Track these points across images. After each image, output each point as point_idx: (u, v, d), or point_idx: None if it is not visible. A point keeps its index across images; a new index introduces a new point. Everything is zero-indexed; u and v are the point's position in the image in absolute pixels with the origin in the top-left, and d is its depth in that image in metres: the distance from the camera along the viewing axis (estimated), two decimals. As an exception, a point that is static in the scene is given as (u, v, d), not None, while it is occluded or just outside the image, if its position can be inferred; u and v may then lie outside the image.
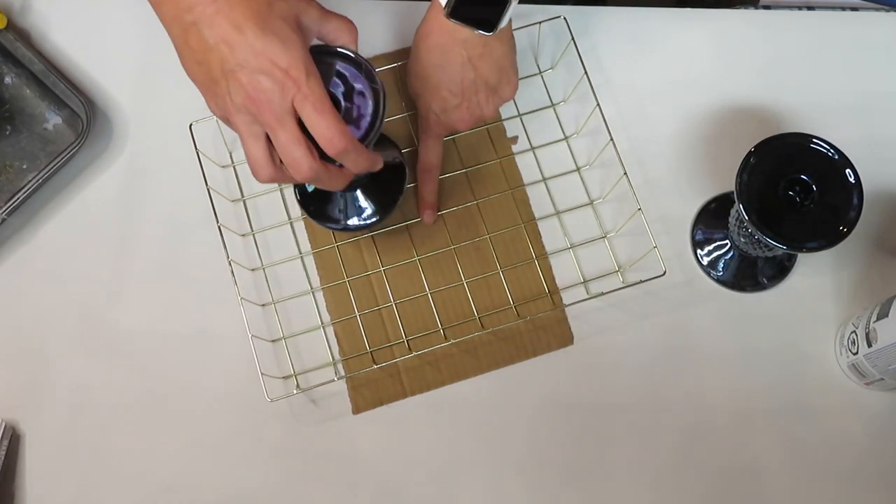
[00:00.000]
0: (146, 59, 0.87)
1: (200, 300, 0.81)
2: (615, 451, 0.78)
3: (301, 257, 0.82)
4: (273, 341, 0.80)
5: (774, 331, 0.81)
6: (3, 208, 0.79)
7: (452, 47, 0.74)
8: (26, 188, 0.80)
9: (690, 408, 0.79)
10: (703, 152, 0.85)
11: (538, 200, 0.84)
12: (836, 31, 0.89)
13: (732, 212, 0.77)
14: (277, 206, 0.83)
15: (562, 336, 0.80)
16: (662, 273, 0.78)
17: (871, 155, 0.76)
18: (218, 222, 0.79)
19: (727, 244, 0.82)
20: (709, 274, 0.82)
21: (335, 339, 0.80)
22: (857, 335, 0.76)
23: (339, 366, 0.80)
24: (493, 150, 0.85)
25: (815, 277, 0.82)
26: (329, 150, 0.61)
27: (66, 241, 0.83)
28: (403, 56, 0.84)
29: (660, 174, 0.84)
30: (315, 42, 0.65)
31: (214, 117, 0.79)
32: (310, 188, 0.77)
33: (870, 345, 0.73)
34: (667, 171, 0.84)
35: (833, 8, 0.93)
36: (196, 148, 0.80)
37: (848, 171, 0.71)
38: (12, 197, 0.80)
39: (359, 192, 0.77)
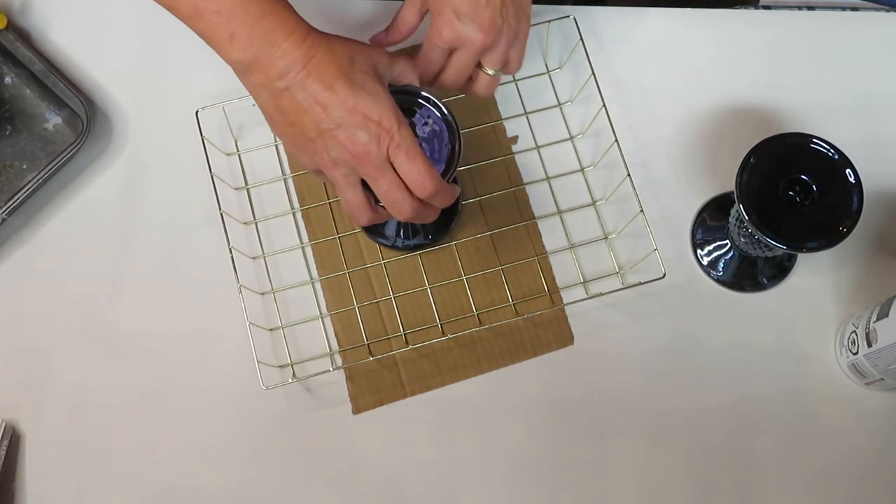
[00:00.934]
0: (146, 58, 0.87)
1: (200, 300, 0.81)
2: (615, 451, 0.78)
3: (302, 247, 0.82)
4: (271, 330, 0.80)
5: (774, 331, 0.81)
6: (3, 208, 0.79)
7: None
8: (26, 188, 0.80)
9: (690, 407, 0.79)
10: (703, 152, 0.85)
11: (541, 199, 0.84)
12: (836, 31, 0.89)
13: (732, 212, 0.77)
14: (281, 196, 0.83)
15: (562, 336, 0.80)
16: (662, 276, 0.78)
17: (871, 155, 0.76)
18: (221, 209, 0.79)
19: (727, 244, 0.82)
20: (709, 274, 0.82)
21: (332, 331, 0.80)
22: (857, 335, 0.76)
23: (337, 356, 0.80)
24: (497, 147, 0.85)
25: (815, 277, 0.82)
26: (420, 194, 0.64)
27: (66, 241, 0.83)
28: None
29: (660, 174, 0.84)
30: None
31: (221, 104, 0.80)
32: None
33: (870, 345, 0.73)
34: (667, 171, 0.84)
35: (833, 8, 0.93)
36: (201, 134, 0.80)
37: (848, 171, 0.71)
38: (12, 197, 0.80)
39: None
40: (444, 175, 0.68)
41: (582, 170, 0.84)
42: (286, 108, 0.62)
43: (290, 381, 0.77)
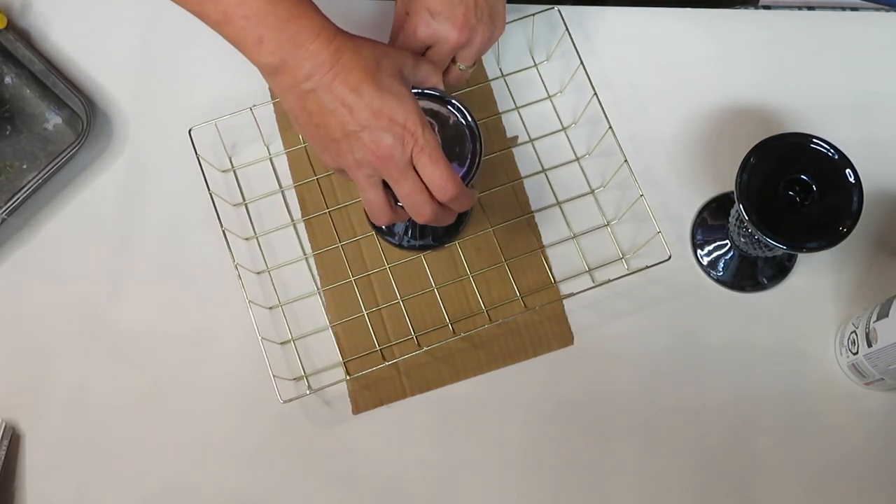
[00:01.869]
0: (146, 59, 0.87)
1: (201, 300, 0.81)
2: (615, 451, 0.78)
3: (306, 258, 0.82)
4: (282, 343, 0.80)
5: (774, 331, 0.81)
6: (3, 208, 0.79)
7: None
8: (26, 188, 0.80)
9: (690, 407, 0.79)
10: (703, 152, 0.85)
11: (538, 192, 0.84)
12: (836, 31, 0.89)
13: (732, 212, 0.77)
14: (279, 209, 0.83)
15: (562, 335, 0.80)
16: (668, 258, 0.78)
17: (871, 155, 0.76)
18: (222, 227, 0.79)
19: (727, 244, 0.82)
20: (709, 274, 0.82)
21: (342, 339, 0.80)
22: (857, 335, 0.76)
23: (347, 365, 0.80)
24: (494, 143, 0.85)
25: (815, 277, 0.82)
26: (441, 197, 0.65)
27: (66, 241, 0.83)
28: None
29: (660, 174, 0.84)
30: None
31: (213, 121, 0.80)
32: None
33: (870, 345, 0.73)
34: (667, 171, 0.84)
35: (833, 8, 0.93)
36: (196, 153, 0.80)
37: (848, 171, 0.71)
38: (12, 197, 0.80)
39: None
40: (465, 178, 0.69)
41: (577, 159, 0.84)
42: (312, 109, 0.63)
43: (307, 392, 0.77)
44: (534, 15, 0.84)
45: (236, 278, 0.78)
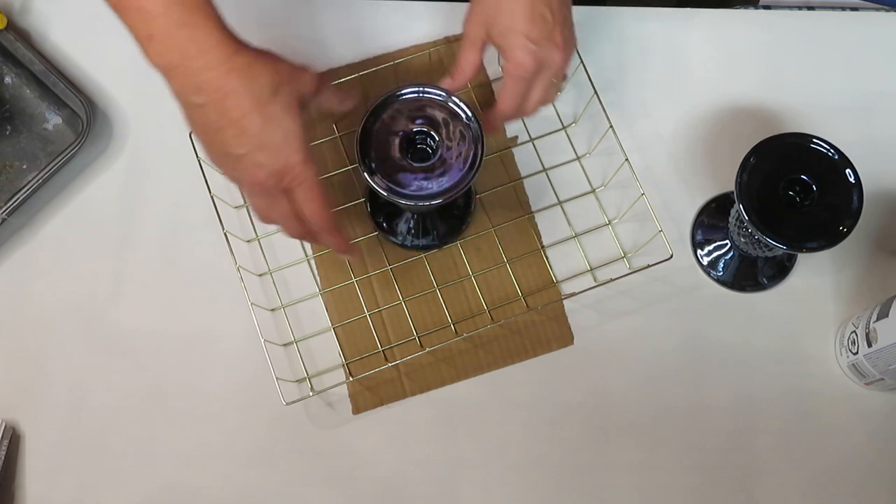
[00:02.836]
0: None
1: (201, 301, 0.81)
2: (614, 451, 0.78)
3: (308, 260, 0.82)
4: (285, 345, 0.80)
5: (774, 331, 0.81)
6: (3, 208, 0.79)
7: None
8: (26, 188, 0.80)
9: (690, 407, 0.79)
10: (703, 152, 0.85)
11: (539, 191, 0.84)
12: (836, 31, 0.89)
13: (732, 212, 0.77)
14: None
15: (562, 336, 0.80)
16: (669, 257, 0.78)
17: (871, 155, 0.76)
18: (224, 229, 0.79)
19: (727, 244, 0.82)
20: (709, 274, 0.82)
21: (344, 341, 0.80)
22: (857, 335, 0.76)
23: (349, 367, 0.80)
24: (495, 143, 0.85)
25: (815, 277, 0.82)
26: (312, 227, 0.67)
27: (66, 242, 0.83)
28: (368, 66, 0.85)
29: (660, 173, 0.84)
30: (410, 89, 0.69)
31: None
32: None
33: (870, 345, 0.73)
34: (667, 171, 0.85)
35: (833, 8, 0.93)
36: (198, 158, 0.80)
37: (848, 171, 0.71)
38: (12, 197, 0.80)
39: (429, 217, 0.80)
40: (465, 179, 0.69)
41: (578, 158, 0.84)
42: (200, 122, 0.63)
43: (310, 394, 0.77)
44: None
45: (238, 280, 0.78)
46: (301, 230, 0.68)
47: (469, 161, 0.70)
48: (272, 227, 0.83)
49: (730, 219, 0.78)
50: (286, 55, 0.64)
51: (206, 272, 0.82)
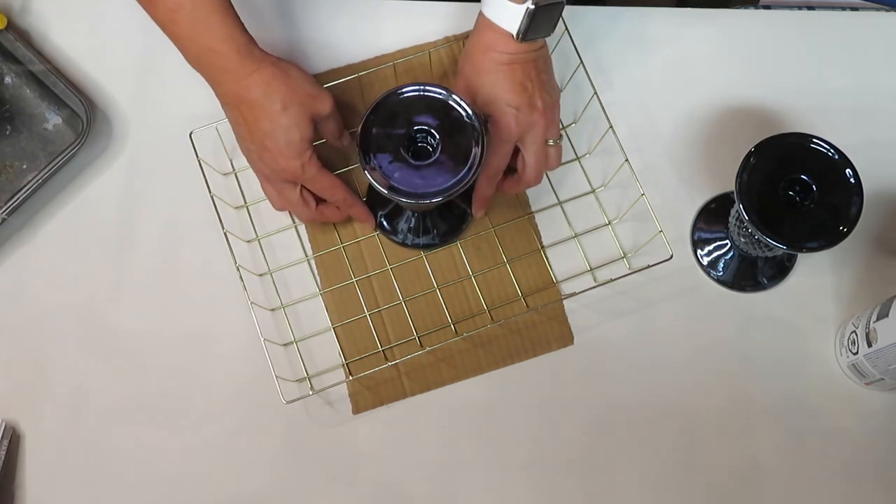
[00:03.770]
0: (146, 58, 0.87)
1: (202, 301, 0.81)
2: (614, 451, 0.78)
3: (307, 260, 0.82)
4: (285, 345, 0.80)
5: (774, 331, 0.81)
6: (3, 208, 0.79)
7: (513, 58, 0.74)
8: (26, 188, 0.80)
9: (690, 407, 0.79)
10: (703, 152, 0.85)
11: (539, 192, 0.83)
12: (836, 31, 0.89)
13: (732, 212, 0.77)
14: (281, 211, 0.83)
15: (562, 335, 0.80)
16: (669, 257, 0.78)
17: (871, 155, 0.76)
18: (224, 229, 0.79)
19: (727, 244, 0.82)
20: (709, 274, 0.82)
21: (344, 340, 0.80)
22: (857, 335, 0.76)
23: (349, 366, 0.80)
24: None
25: (815, 277, 0.82)
26: (332, 200, 0.78)
27: (66, 241, 0.83)
28: (368, 66, 0.85)
29: (660, 174, 0.84)
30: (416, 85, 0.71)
31: (214, 124, 0.80)
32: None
33: (870, 345, 0.73)
34: (667, 171, 0.85)
35: (833, 8, 0.93)
36: (198, 157, 0.80)
37: (848, 171, 0.71)
38: (12, 197, 0.80)
39: (429, 216, 0.80)
40: (467, 175, 0.69)
41: (578, 159, 0.84)
42: (228, 117, 0.74)
43: (310, 393, 0.77)
44: None
45: (237, 280, 0.78)
46: (309, 214, 0.78)
47: (469, 159, 0.70)
48: (272, 228, 0.83)
49: (730, 219, 0.78)
50: (285, 55, 0.65)
51: (207, 272, 0.82)
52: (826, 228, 0.70)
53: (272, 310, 0.81)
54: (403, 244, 0.82)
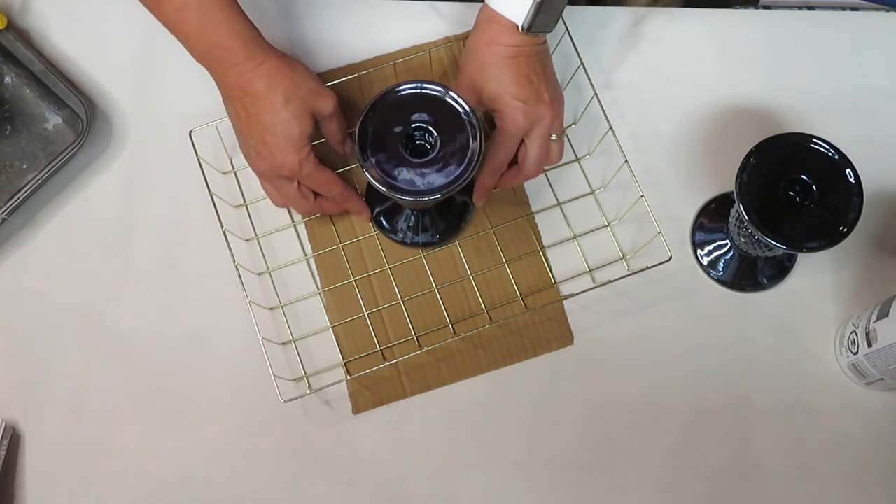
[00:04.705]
0: (146, 59, 0.87)
1: (201, 301, 0.81)
2: (614, 451, 0.78)
3: (306, 259, 0.82)
4: (283, 344, 0.80)
5: (774, 331, 0.81)
6: (3, 208, 0.79)
7: (517, 51, 0.75)
8: (26, 188, 0.80)
9: (691, 407, 0.79)
10: (703, 152, 0.85)
11: (538, 192, 0.84)
12: (836, 31, 0.89)
13: (732, 212, 0.77)
14: (280, 210, 0.83)
15: (562, 336, 0.80)
16: (668, 258, 0.78)
17: (871, 155, 0.76)
18: (223, 228, 0.79)
19: (727, 244, 0.82)
20: (709, 274, 0.82)
21: (343, 339, 0.80)
22: (857, 335, 0.76)
23: (347, 366, 0.80)
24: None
25: (815, 277, 0.82)
26: (328, 194, 0.78)
27: (66, 241, 0.83)
28: (368, 66, 0.85)
29: (660, 174, 0.84)
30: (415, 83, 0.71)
31: (213, 123, 0.81)
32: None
33: (870, 345, 0.73)
34: (667, 171, 0.84)
35: (833, 8, 0.92)
36: (197, 155, 0.80)
37: (848, 171, 0.71)
38: (12, 197, 0.80)
39: (428, 214, 0.80)
40: (465, 172, 0.69)
41: (578, 160, 0.84)
42: (228, 111, 0.74)
43: (307, 392, 0.77)
44: None
45: (237, 279, 0.78)
46: (308, 207, 0.78)
47: (467, 156, 0.69)
48: (271, 227, 0.83)
49: (730, 219, 0.78)
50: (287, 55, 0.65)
51: (206, 272, 0.82)
52: (826, 228, 0.70)
53: (271, 309, 0.81)
54: (403, 242, 0.81)
